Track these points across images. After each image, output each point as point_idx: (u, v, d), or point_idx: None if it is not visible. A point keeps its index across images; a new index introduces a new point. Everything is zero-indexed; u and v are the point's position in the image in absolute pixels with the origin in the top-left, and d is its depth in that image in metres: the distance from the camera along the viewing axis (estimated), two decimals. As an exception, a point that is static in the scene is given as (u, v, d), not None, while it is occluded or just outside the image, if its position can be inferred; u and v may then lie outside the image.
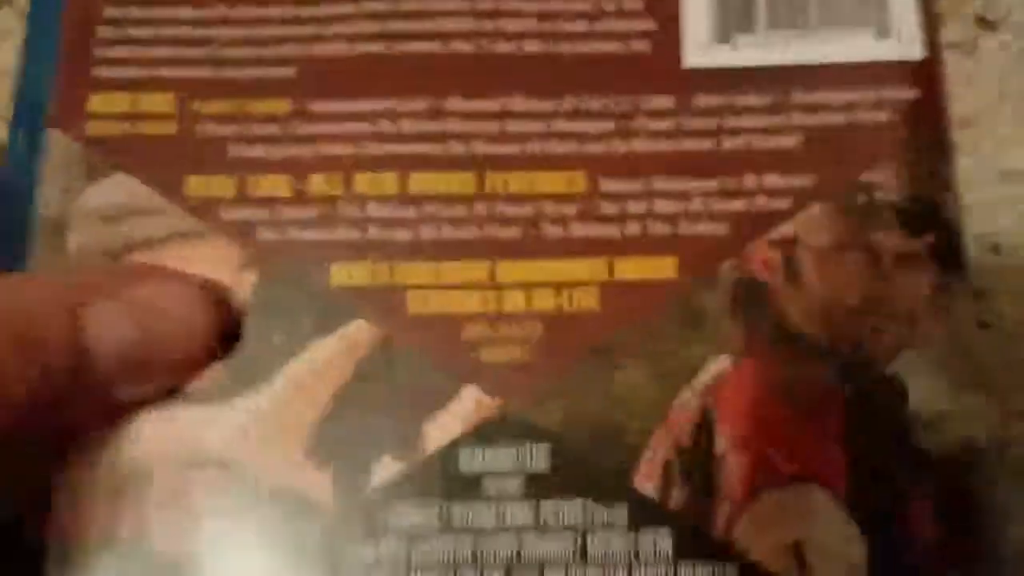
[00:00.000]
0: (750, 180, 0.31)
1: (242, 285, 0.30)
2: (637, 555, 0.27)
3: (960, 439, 0.28)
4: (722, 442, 0.28)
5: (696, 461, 0.28)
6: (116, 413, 0.28)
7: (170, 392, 0.29)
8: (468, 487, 0.28)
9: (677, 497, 0.28)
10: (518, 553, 0.27)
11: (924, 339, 0.29)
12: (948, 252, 0.30)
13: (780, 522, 0.27)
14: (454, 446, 0.28)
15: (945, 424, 0.28)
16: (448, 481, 0.28)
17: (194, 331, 0.29)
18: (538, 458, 0.28)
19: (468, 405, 0.29)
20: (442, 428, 0.29)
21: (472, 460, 0.28)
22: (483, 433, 0.29)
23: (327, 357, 0.30)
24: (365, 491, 0.28)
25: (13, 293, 0.27)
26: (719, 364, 0.29)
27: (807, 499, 0.27)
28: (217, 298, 0.30)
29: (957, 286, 0.30)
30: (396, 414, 0.29)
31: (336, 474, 0.28)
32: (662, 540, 0.27)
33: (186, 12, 0.33)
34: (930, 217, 0.31)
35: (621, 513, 0.27)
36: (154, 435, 0.29)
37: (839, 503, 0.27)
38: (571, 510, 0.28)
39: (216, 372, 0.29)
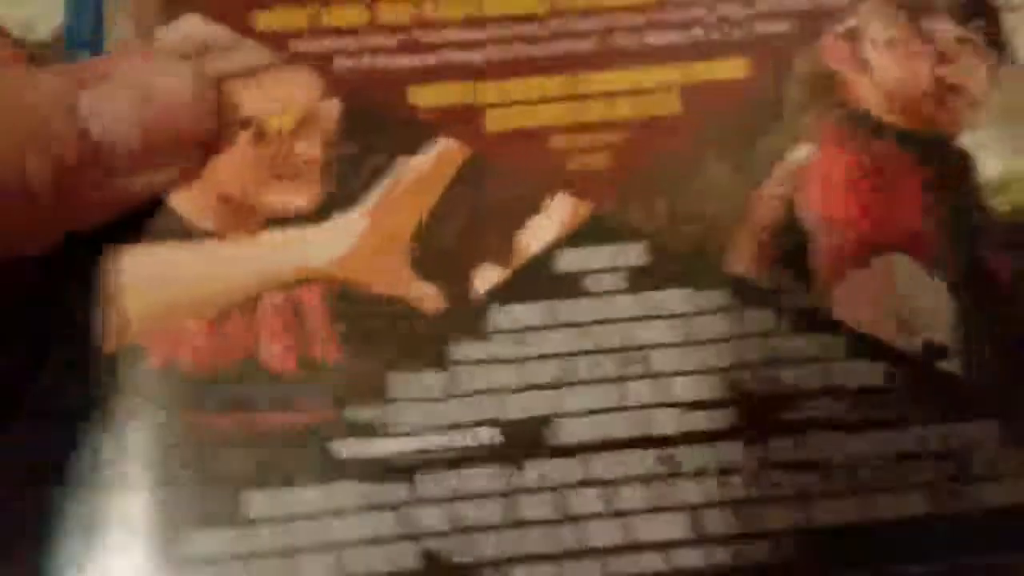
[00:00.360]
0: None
1: (327, 113, 0.31)
2: (740, 333, 0.28)
3: (1021, 201, 0.30)
4: (810, 222, 0.29)
5: (787, 242, 0.29)
6: (131, 202, 0.29)
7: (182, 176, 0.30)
8: (570, 285, 0.29)
9: (772, 277, 0.29)
10: (625, 341, 0.28)
11: (985, 114, 0.31)
12: (996, 37, 0.32)
13: (874, 290, 0.28)
14: (552, 249, 0.29)
15: (1010, 186, 0.30)
16: (550, 281, 0.29)
17: (193, 106, 0.30)
18: (635, 254, 0.29)
19: (561, 211, 0.30)
20: (538, 234, 0.29)
21: (571, 260, 0.29)
22: (579, 236, 0.29)
23: (418, 175, 0.30)
24: (471, 297, 0.29)
25: (16, 90, 0.27)
26: (799, 152, 0.30)
27: (897, 265, 0.29)
28: (211, 86, 0.30)
29: (1007, 64, 0.31)
30: (492, 225, 0.29)
31: (441, 283, 0.29)
32: (764, 317, 0.28)
33: None
34: (979, 4, 0.32)
35: (720, 296, 0.28)
36: (258, 255, 0.29)
37: (926, 266, 0.29)
38: (672, 298, 0.29)
39: (313, 196, 0.30)
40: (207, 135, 0.30)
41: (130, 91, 0.29)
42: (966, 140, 0.30)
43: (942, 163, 0.30)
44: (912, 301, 0.28)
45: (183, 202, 0.30)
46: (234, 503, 0.27)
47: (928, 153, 0.30)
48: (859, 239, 0.29)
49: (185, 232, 0.30)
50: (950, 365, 0.27)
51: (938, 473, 0.26)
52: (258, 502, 0.27)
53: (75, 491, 0.27)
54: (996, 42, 0.32)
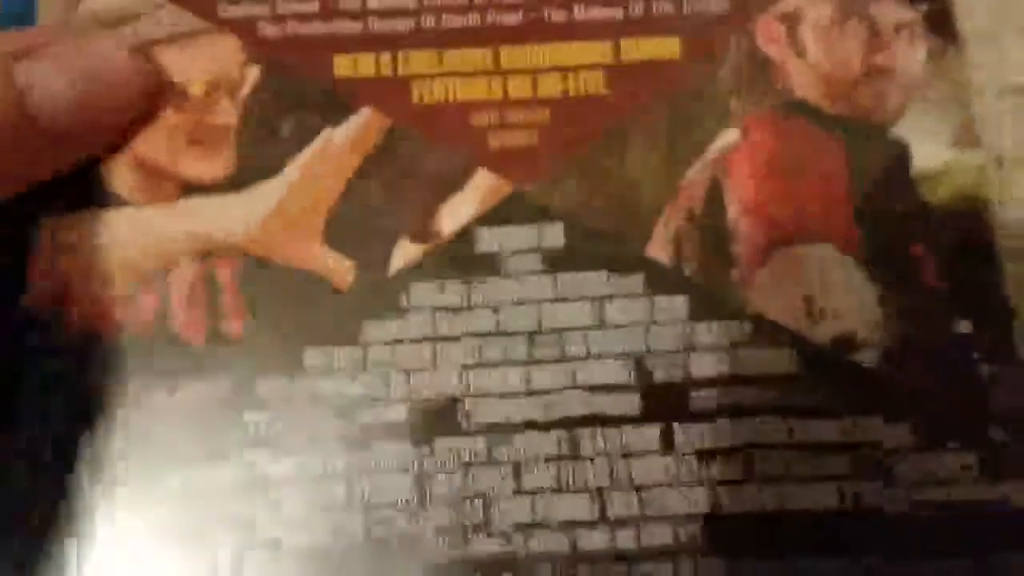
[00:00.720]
0: (750, -43, 0.31)
1: (247, 80, 0.30)
2: (654, 319, 0.28)
3: (959, 191, 0.29)
4: (733, 209, 0.29)
5: (708, 228, 0.29)
6: (58, 173, 0.29)
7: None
8: (487, 265, 0.29)
9: (690, 264, 0.28)
10: (539, 323, 0.28)
11: (923, 102, 0.30)
12: (942, 20, 0.31)
13: (792, 279, 0.28)
14: (470, 227, 0.29)
15: (946, 178, 0.30)
16: (467, 260, 0.29)
17: (131, 83, 0.29)
18: (554, 235, 0.29)
19: (481, 188, 0.29)
20: (457, 211, 0.29)
21: (490, 240, 0.29)
22: (498, 214, 0.29)
23: (336, 147, 0.30)
24: (386, 274, 0.28)
25: None
26: (727, 137, 0.30)
27: (817, 255, 0.28)
28: (147, 60, 0.30)
29: (952, 52, 0.31)
30: (410, 200, 0.29)
31: (356, 259, 0.28)
32: (678, 304, 0.28)
33: None
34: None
35: (637, 281, 0.28)
36: (172, 226, 0.29)
37: (848, 256, 0.28)
38: (588, 281, 0.28)
39: (228, 164, 0.29)
40: (144, 113, 0.30)
41: (68, 70, 0.28)
42: (902, 128, 0.30)
43: (874, 152, 0.30)
44: (829, 291, 0.28)
45: (102, 167, 0.29)
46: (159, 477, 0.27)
47: (860, 141, 0.30)
48: (782, 227, 0.29)
49: (103, 198, 0.29)
50: (865, 358, 0.27)
51: (849, 468, 0.26)
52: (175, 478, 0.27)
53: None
54: (942, 27, 0.31)
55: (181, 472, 0.26)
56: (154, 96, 0.30)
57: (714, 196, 0.29)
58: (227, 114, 0.30)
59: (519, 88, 0.30)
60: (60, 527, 0.26)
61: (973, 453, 0.26)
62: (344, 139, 0.30)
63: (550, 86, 0.30)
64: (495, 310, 0.28)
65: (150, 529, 0.26)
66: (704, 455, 0.26)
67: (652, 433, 0.27)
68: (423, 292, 0.28)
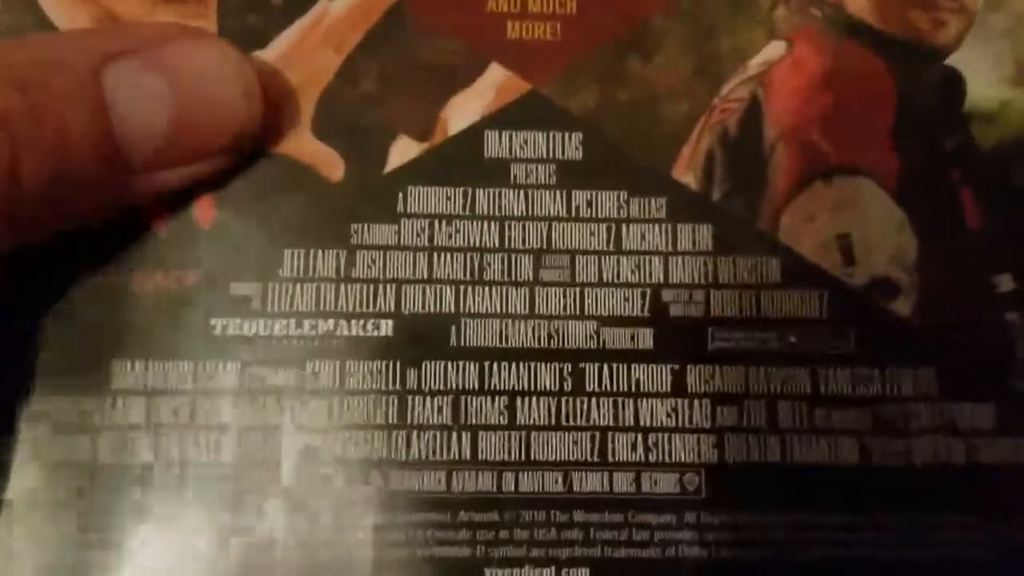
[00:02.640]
0: None
1: (235, -64, 0.26)
2: (675, 248, 0.25)
3: (1014, 133, 0.26)
4: (771, 132, 0.26)
5: (742, 151, 0.26)
6: (143, 201, 0.24)
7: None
8: (495, 172, 0.25)
9: (720, 189, 0.25)
10: (548, 241, 0.25)
11: (984, 32, 0.27)
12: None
13: (827, 213, 0.25)
14: (478, 128, 0.26)
15: (999, 118, 0.27)
16: (473, 165, 0.25)
17: (237, 101, 0.23)
18: (571, 145, 0.26)
19: (493, 85, 0.26)
20: (464, 108, 0.26)
21: (499, 144, 0.25)
22: (510, 116, 0.26)
23: (333, 22, 0.26)
24: (380, 171, 0.25)
25: (32, 51, 0.21)
26: (771, 50, 0.26)
27: (856, 189, 0.26)
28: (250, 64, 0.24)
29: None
30: (413, 91, 0.26)
31: (348, 152, 0.25)
32: (702, 233, 0.25)
33: None
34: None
35: (660, 205, 0.25)
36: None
37: (889, 193, 0.26)
38: (606, 200, 0.25)
39: (206, 24, 0.26)
40: (249, 133, 0.24)
41: (161, 74, 0.22)
42: (958, 59, 0.27)
43: (926, 81, 0.26)
44: (868, 231, 0.25)
45: (67, 23, 0.25)
46: (101, 372, 0.24)
47: (912, 66, 0.26)
48: (822, 155, 0.26)
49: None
50: (898, 305, 0.25)
51: (868, 420, 0.24)
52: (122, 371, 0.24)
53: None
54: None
55: (130, 362, 0.24)
56: (259, 118, 0.24)
57: (752, 115, 0.26)
58: (209, -25, 0.26)
59: None
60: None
61: (993, 405, 0.24)
62: (341, 13, 0.26)
63: None
64: (500, 223, 0.25)
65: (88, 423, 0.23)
66: (718, 400, 0.24)
67: (663, 372, 0.24)
68: (421, 196, 0.25)
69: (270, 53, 0.25)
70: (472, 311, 0.24)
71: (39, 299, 0.24)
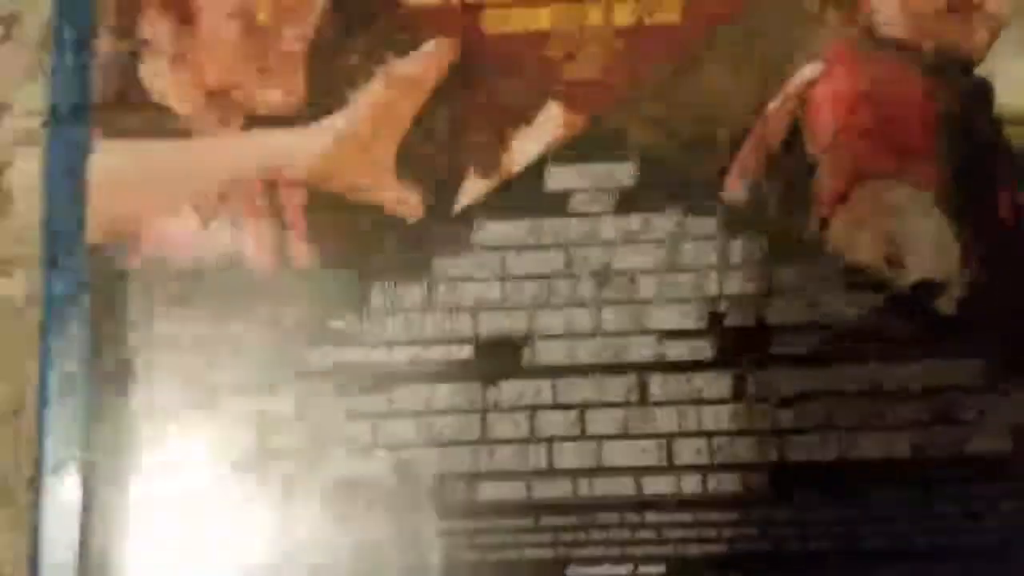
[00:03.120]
0: None
1: (314, 7, 0.29)
2: (729, 261, 0.27)
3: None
4: (814, 146, 0.27)
5: (788, 165, 0.27)
6: None
7: None
8: (556, 203, 0.27)
9: (769, 203, 0.27)
10: (609, 264, 0.27)
11: (1009, 41, 0.28)
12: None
13: (872, 219, 0.27)
14: (541, 163, 0.28)
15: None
16: (536, 198, 0.28)
17: None
18: (625, 173, 0.28)
19: (553, 122, 0.28)
20: (527, 146, 0.28)
21: (560, 177, 0.28)
22: (569, 149, 0.28)
23: (406, 77, 0.28)
24: (453, 208, 0.28)
25: None
26: (810, 69, 0.28)
27: (898, 195, 0.27)
28: None
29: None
30: (480, 134, 0.28)
31: (424, 193, 0.28)
32: (755, 246, 0.27)
33: None
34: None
35: (712, 222, 0.27)
36: (240, 157, 0.28)
37: (928, 197, 0.27)
38: (661, 222, 0.27)
39: (297, 94, 0.29)
40: None
41: None
42: (987, 67, 0.28)
43: (959, 89, 0.27)
44: (911, 233, 0.26)
45: (171, 94, 0.29)
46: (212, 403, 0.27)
47: (944, 77, 0.27)
48: (863, 164, 0.27)
49: (171, 128, 0.29)
50: (943, 304, 0.26)
51: (922, 414, 0.25)
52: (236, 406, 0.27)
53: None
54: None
55: (243, 399, 0.27)
56: None
57: (795, 130, 0.27)
58: (295, 40, 0.29)
59: (593, 17, 0.29)
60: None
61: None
62: (414, 69, 0.29)
63: (624, 14, 0.28)
64: (564, 249, 0.27)
65: (207, 453, 0.26)
66: (777, 403, 0.25)
67: (724, 379, 0.26)
68: (491, 229, 0.27)
69: (352, 111, 0.28)
70: (542, 332, 0.26)
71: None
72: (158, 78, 0.29)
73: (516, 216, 0.27)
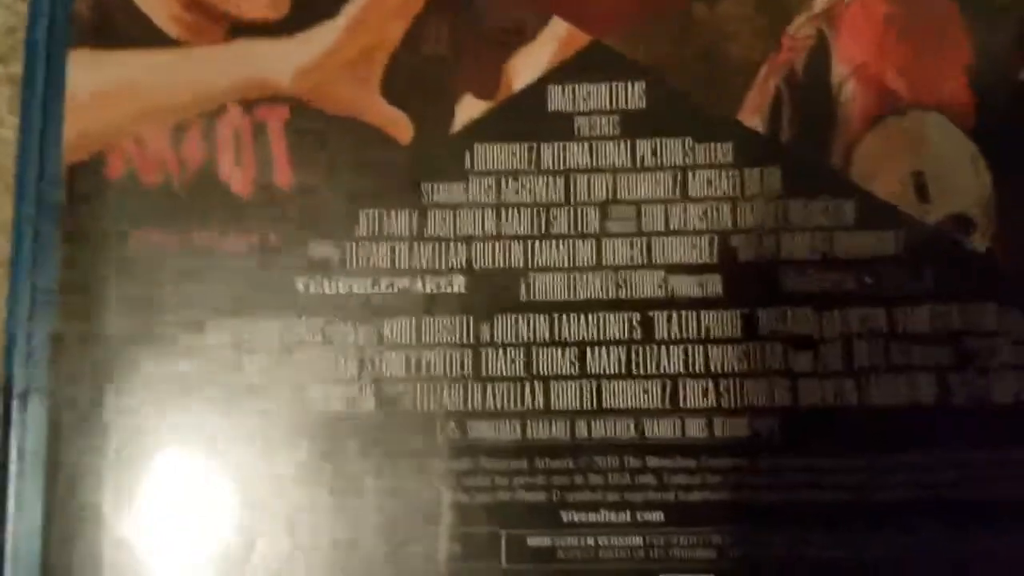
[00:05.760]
0: None
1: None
2: (743, 192, 0.24)
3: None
4: (840, 69, 0.25)
5: (811, 90, 0.25)
6: None
7: None
8: (559, 126, 0.25)
9: (788, 130, 0.25)
10: (613, 192, 0.25)
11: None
12: None
13: (901, 150, 0.24)
14: (542, 83, 0.25)
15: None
16: (537, 120, 0.25)
17: None
18: (634, 95, 0.25)
19: (554, 40, 0.26)
20: (528, 64, 0.26)
21: (562, 98, 0.25)
22: (572, 69, 0.25)
23: (398, -12, 0.26)
24: (447, 131, 0.25)
25: None
26: (838, -13, 0.25)
27: (929, 125, 0.24)
28: None
29: None
30: (477, 50, 0.26)
31: (415, 113, 0.25)
32: (771, 176, 0.24)
33: None
34: None
35: (726, 150, 0.25)
36: (220, 68, 0.26)
37: (963, 128, 0.24)
38: (671, 149, 0.25)
39: (281, 3, 0.26)
40: None
41: None
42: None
43: (997, 15, 0.25)
44: (942, 167, 0.24)
45: (150, 3, 0.26)
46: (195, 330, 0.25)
47: (981, 2, 0.25)
48: (892, 92, 0.25)
49: (152, 38, 0.26)
50: (974, 242, 0.24)
51: (949, 358, 0.23)
52: (212, 337, 0.25)
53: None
54: None
55: (221, 323, 0.25)
56: None
57: (819, 54, 0.25)
58: (280, -53, 0.26)
59: None
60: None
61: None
62: (405, -21, 0.26)
63: None
64: (565, 176, 0.25)
65: (185, 378, 0.24)
66: (790, 343, 0.23)
67: (733, 317, 0.24)
68: (487, 154, 0.25)
69: (341, 18, 0.26)
70: (540, 265, 0.24)
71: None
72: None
73: (514, 139, 0.25)
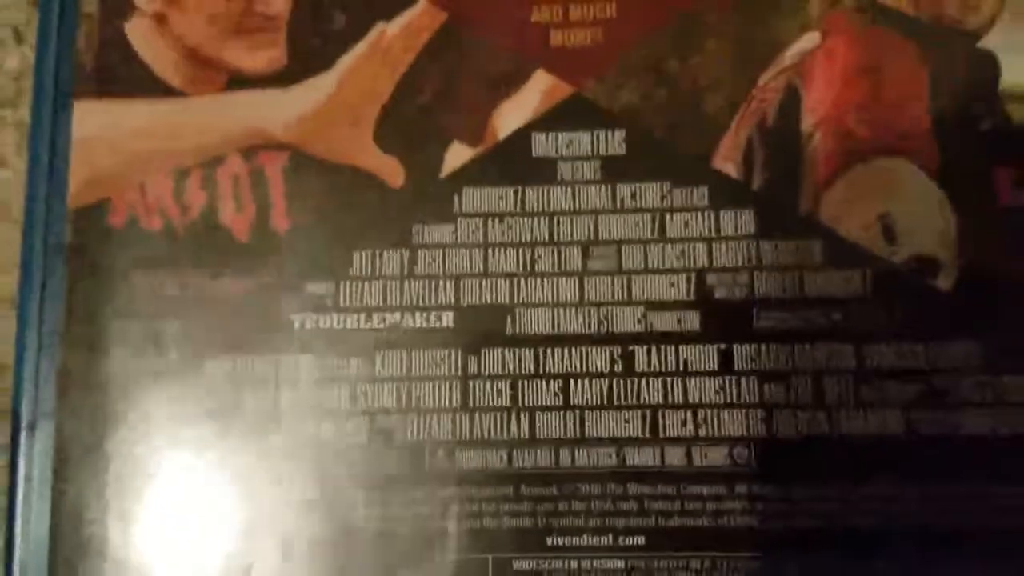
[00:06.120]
0: None
1: (297, -32, 0.28)
2: (718, 233, 0.26)
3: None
4: (809, 119, 0.26)
5: (781, 139, 0.26)
6: None
7: None
8: (543, 171, 0.27)
9: (760, 176, 0.26)
10: (595, 232, 0.26)
11: (1017, 12, 0.27)
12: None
13: (868, 194, 0.26)
14: (527, 130, 0.27)
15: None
16: (522, 165, 0.27)
17: None
18: (614, 142, 0.27)
19: (539, 90, 0.27)
20: (513, 113, 0.27)
21: (546, 145, 0.27)
22: (556, 118, 0.27)
23: (390, 41, 0.28)
24: (437, 176, 0.27)
25: None
26: (806, 41, 0.27)
27: (895, 170, 0.26)
28: None
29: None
30: (465, 100, 0.27)
31: (406, 158, 0.27)
32: (744, 218, 0.26)
33: None
34: None
35: (701, 193, 0.26)
36: (220, 118, 0.27)
37: (927, 173, 0.26)
38: (650, 192, 0.26)
39: (278, 57, 0.28)
40: None
41: None
42: (992, 40, 0.27)
43: (960, 63, 0.27)
44: (908, 209, 0.25)
45: (151, 54, 0.28)
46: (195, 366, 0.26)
47: (945, 51, 0.27)
48: (859, 139, 0.26)
49: (154, 87, 0.28)
50: (940, 281, 0.25)
51: (916, 394, 0.24)
52: (212, 369, 0.26)
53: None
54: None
55: (220, 359, 0.26)
56: None
57: (789, 104, 0.27)
58: (278, 3, 0.28)
59: None
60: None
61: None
62: (398, 32, 0.28)
63: None
64: (549, 218, 0.26)
65: (185, 412, 0.25)
66: (764, 377, 0.25)
67: (710, 352, 0.25)
68: (475, 197, 0.26)
69: (336, 71, 0.27)
70: (526, 301, 0.25)
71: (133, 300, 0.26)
72: (142, 38, 0.28)
73: (501, 183, 0.26)
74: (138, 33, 0.28)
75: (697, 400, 0.24)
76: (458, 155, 0.27)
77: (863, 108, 0.26)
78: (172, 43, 0.28)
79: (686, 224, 0.26)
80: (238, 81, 0.27)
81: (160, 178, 0.27)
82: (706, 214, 0.26)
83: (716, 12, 0.27)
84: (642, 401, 0.25)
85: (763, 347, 0.25)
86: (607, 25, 0.27)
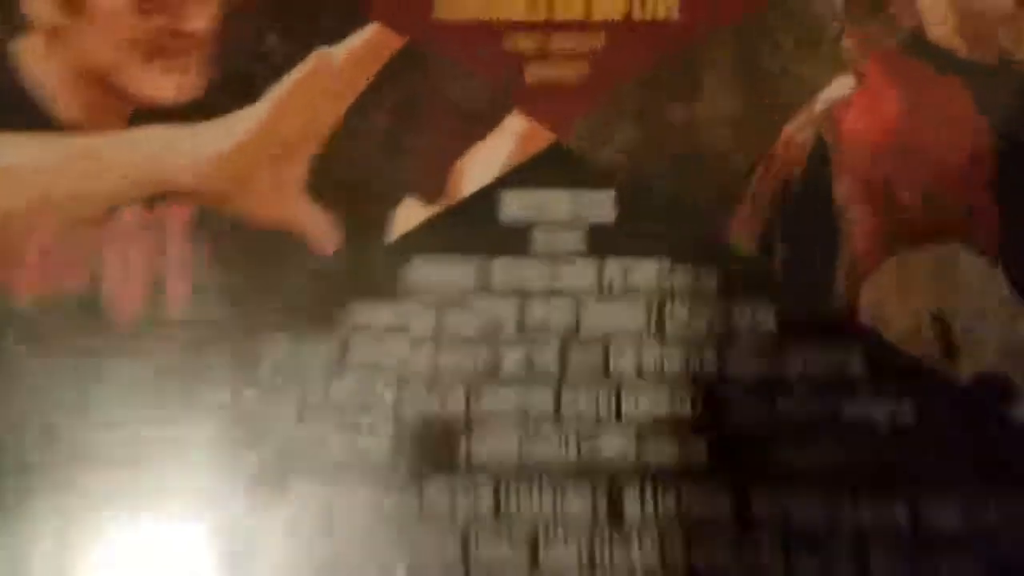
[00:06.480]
0: None
1: (216, -26, 0.14)
2: (730, 331, 0.13)
3: None
4: (843, 183, 0.14)
5: (809, 209, 0.13)
6: None
7: None
8: (513, 239, 0.14)
9: (782, 256, 0.13)
10: (577, 322, 0.13)
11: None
12: None
13: (918, 289, 0.13)
14: (496, 186, 0.14)
15: None
16: (488, 231, 0.14)
17: None
18: (602, 205, 0.14)
19: (512, 136, 0.14)
20: (480, 165, 0.14)
21: (518, 206, 0.14)
22: (531, 172, 0.14)
23: (332, 69, 0.14)
24: (381, 240, 0.14)
25: None
26: (838, 86, 0.14)
27: (951, 260, 0.13)
28: None
29: None
30: (422, 146, 0.14)
31: (344, 217, 0.14)
32: (763, 312, 0.13)
33: None
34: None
35: (709, 275, 0.13)
36: (119, 159, 0.14)
37: (990, 260, 0.13)
38: (644, 271, 0.14)
39: (194, 84, 0.14)
40: None
41: None
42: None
43: (1021, 112, 0.14)
44: (969, 310, 0.13)
45: (43, 79, 0.14)
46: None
47: (1004, 97, 0.14)
48: (907, 210, 0.13)
49: (42, 120, 0.14)
50: (1019, 411, 0.12)
51: (984, 568, 0.12)
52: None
53: None
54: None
55: (100, 474, 0.13)
56: None
57: (819, 164, 0.14)
58: (199, 17, 0.14)
59: (568, 7, 0.14)
60: None
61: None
62: (343, 60, 0.14)
63: (608, 5, 0.14)
64: (520, 300, 0.13)
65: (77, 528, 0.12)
66: (790, 535, 0.12)
67: (723, 497, 0.12)
68: (427, 269, 0.13)
69: (263, 105, 0.14)
70: (485, 413, 0.13)
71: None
72: (32, 58, 0.14)
73: (461, 252, 0.13)
74: (30, 53, 0.14)
75: (703, 564, 0.12)
76: (410, 214, 0.14)
77: (911, 170, 0.13)
78: (70, 64, 0.14)
79: (690, 316, 0.13)
80: (143, 114, 0.14)
81: (37, 238, 0.13)
82: (716, 304, 0.13)
83: (728, 46, 0.14)
84: (632, 565, 0.12)
85: (787, 492, 0.12)
86: (594, 58, 0.14)
